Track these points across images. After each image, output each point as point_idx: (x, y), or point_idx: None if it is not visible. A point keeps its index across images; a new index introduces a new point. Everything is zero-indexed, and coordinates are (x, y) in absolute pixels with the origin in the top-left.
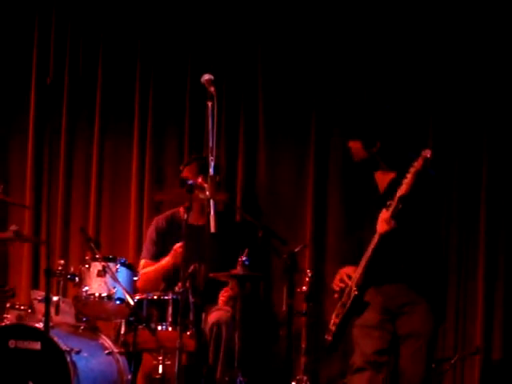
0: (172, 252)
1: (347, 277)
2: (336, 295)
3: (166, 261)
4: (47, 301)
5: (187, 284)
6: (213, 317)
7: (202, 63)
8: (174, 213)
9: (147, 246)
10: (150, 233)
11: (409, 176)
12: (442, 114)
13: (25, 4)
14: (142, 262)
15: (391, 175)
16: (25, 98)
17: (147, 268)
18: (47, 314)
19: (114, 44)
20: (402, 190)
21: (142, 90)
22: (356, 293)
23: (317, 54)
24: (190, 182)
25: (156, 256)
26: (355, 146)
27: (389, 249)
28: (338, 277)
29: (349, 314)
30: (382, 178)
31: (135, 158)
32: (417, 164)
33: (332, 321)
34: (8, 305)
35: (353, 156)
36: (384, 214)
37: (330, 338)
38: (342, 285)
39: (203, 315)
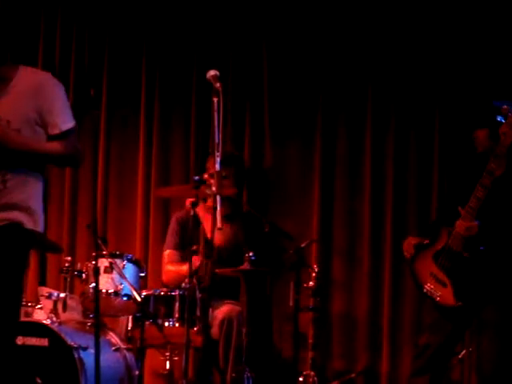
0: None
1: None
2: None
3: (186, 268)
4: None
5: (194, 279)
6: (223, 312)
7: (207, 59)
8: None
9: (170, 237)
10: (171, 225)
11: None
12: None
13: (31, 2)
14: (167, 252)
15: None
16: None
17: (170, 266)
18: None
19: (119, 41)
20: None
21: (148, 86)
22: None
23: (321, 47)
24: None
25: (179, 245)
26: (482, 134)
27: None
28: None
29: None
30: None
31: (141, 155)
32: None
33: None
34: None
35: (476, 146)
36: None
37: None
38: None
39: (210, 310)
